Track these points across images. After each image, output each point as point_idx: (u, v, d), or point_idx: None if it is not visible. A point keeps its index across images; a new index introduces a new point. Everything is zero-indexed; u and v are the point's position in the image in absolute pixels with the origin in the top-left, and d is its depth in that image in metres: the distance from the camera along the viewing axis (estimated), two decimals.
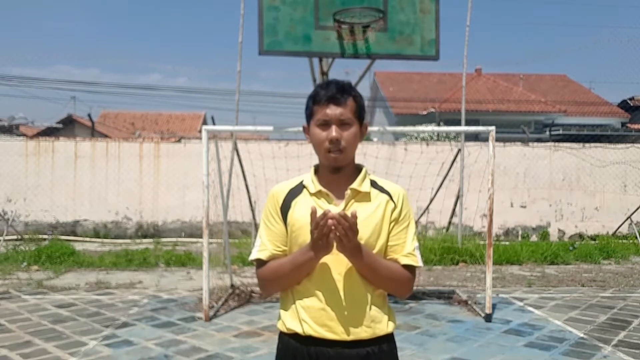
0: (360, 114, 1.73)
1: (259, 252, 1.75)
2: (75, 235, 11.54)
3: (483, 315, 5.77)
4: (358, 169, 1.78)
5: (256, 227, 9.89)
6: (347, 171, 1.74)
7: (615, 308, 6.25)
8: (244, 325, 5.47)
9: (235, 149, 7.29)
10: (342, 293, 1.65)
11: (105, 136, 18.24)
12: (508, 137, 15.01)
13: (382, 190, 1.76)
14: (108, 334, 5.12)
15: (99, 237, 11.55)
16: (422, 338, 5.10)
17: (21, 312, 5.85)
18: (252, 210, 9.17)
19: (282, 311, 1.76)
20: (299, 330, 1.68)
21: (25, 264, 8.49)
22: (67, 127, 20.66)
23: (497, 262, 8.74)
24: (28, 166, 11.71)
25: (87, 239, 11.41)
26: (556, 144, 12.85)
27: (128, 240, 11.33)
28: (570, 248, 9.99)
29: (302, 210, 1.68)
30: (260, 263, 1.75)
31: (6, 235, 10.38)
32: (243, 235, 11.01)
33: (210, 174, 5.80)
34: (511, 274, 8.35)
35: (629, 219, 11.90)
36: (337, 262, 1.65)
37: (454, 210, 9.76)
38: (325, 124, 1.68)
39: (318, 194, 1.72)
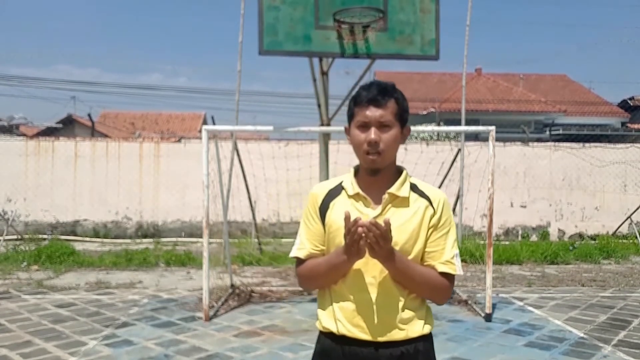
0: (402, 116, 1.71)
1: (297, 250, 1.78)
2: (75, 235, 11.55)
3: (483, 315, 5.77)
4: (399, 171, 1.76)
5: (256, 227, 9.91)
6: (386, 173, 1.72)
7: (615, 308, 6.25)
8: (244, 325, 5.47)
9: (235, 149, 7.30)
10: (374, 297, 1.66)
11: (105, 136, 18.24)
12: (508, 137, 15.01)
13: (421, 194, 1.73)
14: (108, 333, 5.12)
15: (99, 237, 11.56)
16: None
17: (21, 312, 5.85)
18: (252, 210, 9.18)
19: (319, 310, 1.78)
20: (333, 329, 1.70)
21: (25, 263, 8.49)
22: (67, 127, 20.66)
23: (497, 262, 8.74)
24: (28, 166, 11.72)
25: (87, 238, 11.42)
26: (556, 143, 12.86)
27: (128, 240, 11.34)
28: (570, 248, 9.99)
29: (339, 212, 1.67)
30: (299, 261, 1.79)
31: (6, 235, 10.38)
32: (243, 235, 11.01)
33: (210, 174, 5.79)
34: (511, 274, 8.36)
35: (629, 219, 11.90)
36: (370, 267, 1.65)
37: (454, 210, 9.77)
38: (365, 126, 1.66)
39: (356, 197, 1.71)
